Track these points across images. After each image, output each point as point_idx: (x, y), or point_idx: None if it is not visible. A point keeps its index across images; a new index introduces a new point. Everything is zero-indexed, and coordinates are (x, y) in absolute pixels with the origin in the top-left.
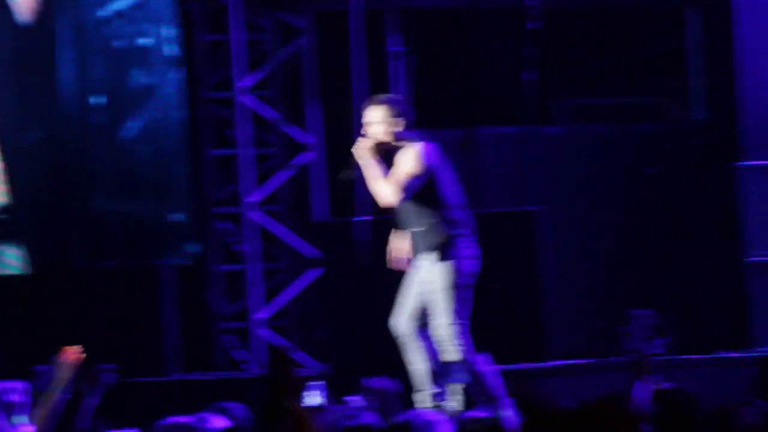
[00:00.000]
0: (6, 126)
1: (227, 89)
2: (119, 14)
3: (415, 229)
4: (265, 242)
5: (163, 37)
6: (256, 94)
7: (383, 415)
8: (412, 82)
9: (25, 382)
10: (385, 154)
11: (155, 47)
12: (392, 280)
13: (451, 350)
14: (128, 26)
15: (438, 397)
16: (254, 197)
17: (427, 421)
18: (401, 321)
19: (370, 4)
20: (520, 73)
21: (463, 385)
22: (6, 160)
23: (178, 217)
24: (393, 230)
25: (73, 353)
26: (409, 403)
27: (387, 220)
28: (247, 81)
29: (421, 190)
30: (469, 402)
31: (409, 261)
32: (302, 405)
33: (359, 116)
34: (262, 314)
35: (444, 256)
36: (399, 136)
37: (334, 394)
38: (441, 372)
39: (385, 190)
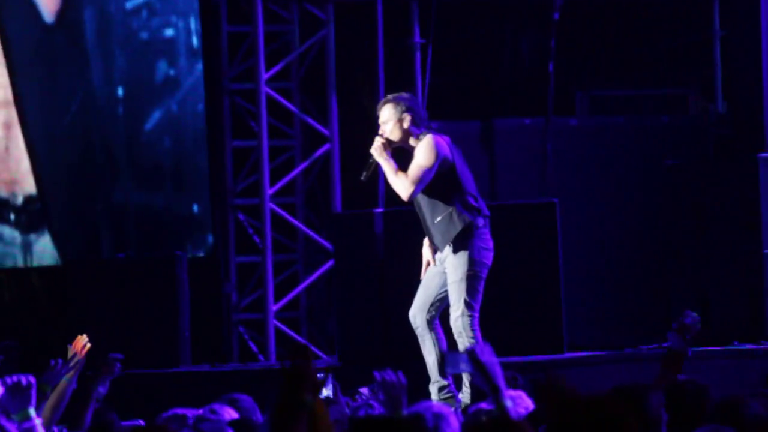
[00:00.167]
0: (34, 118)
1: (249, 81)
2: (147, 5)
3: (432, 221)
4: (283, 234)
5: (188, 29)
6: (278, 85)
7: (392, 408)
8: (432, 73)
9: (34, 373)
10: (401, 151)
11: (180, 39)
12: (408, 272)
13: (462, 341)
14: (154, 18)
15: (447, 389)
16: (273, 189)
17: (435, 413)
18: (417, 312)
19: None
20: (541, 64)
21: (469, 377)
22: (34, 152)
23: (198, 208)
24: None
25: (81, 343)
26: (422, 395)
27: (404, 212)
28: (270, 72)
29: (434, 182)
30: (478, 394)
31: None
32: (320, 399)
33: None
34: (280, 305)
35: (459, 248)
36: (410, 132)
37: (346, 385)
38: (446, 362)
39: (401, 185)
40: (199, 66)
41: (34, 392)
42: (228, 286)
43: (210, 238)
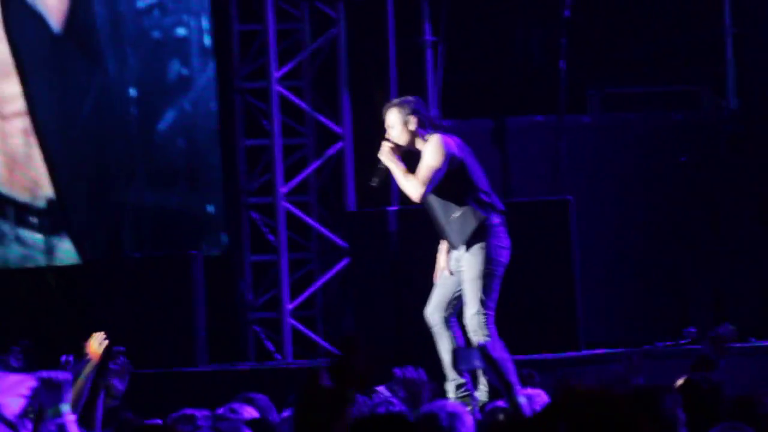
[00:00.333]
0: (49, 125)
1: (261, 79)
2: (158, 5)
3: (446, 221)
4: (297, 232)
5: (200, 28)
6: (290, 84)
7: (410, 406)
8: (444, 71)
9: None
10: (411, 153)
11: (193, 38)
12: (423, 269)
13: (477, 339)
14: (166, 17)
15: (464, 387)
16: (287, 187)
17: (450, 412)
18: (433, 310)
19: None
20: (553, 61)
21: (486, 376)
22: (51, 158)
23: (211, 207)
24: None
25: (97, 341)
26: (439, 394)
27: (418, 210)
28: (282, 71)
29: (446, 182)
30: (494, 392)
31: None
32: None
33: None
34: (295, 304)
35: (475, 245)
36: (416, 134)
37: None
38: (458, 358)
39: (411, 187)
40: (212, 65)
41: (69, 388)
42: (243, 285)
43: (224, 237)
